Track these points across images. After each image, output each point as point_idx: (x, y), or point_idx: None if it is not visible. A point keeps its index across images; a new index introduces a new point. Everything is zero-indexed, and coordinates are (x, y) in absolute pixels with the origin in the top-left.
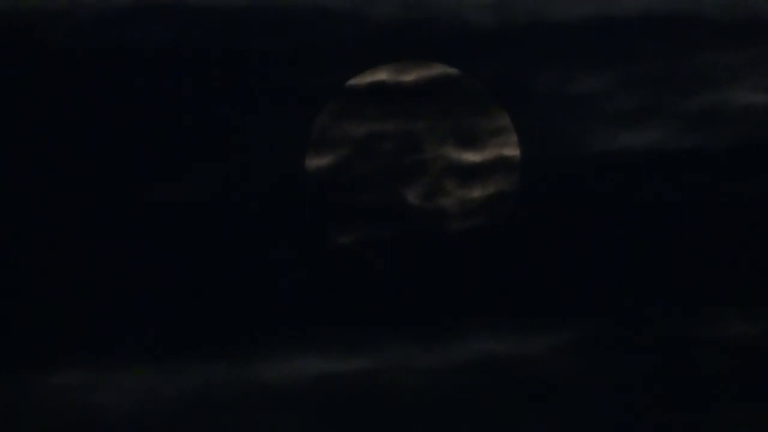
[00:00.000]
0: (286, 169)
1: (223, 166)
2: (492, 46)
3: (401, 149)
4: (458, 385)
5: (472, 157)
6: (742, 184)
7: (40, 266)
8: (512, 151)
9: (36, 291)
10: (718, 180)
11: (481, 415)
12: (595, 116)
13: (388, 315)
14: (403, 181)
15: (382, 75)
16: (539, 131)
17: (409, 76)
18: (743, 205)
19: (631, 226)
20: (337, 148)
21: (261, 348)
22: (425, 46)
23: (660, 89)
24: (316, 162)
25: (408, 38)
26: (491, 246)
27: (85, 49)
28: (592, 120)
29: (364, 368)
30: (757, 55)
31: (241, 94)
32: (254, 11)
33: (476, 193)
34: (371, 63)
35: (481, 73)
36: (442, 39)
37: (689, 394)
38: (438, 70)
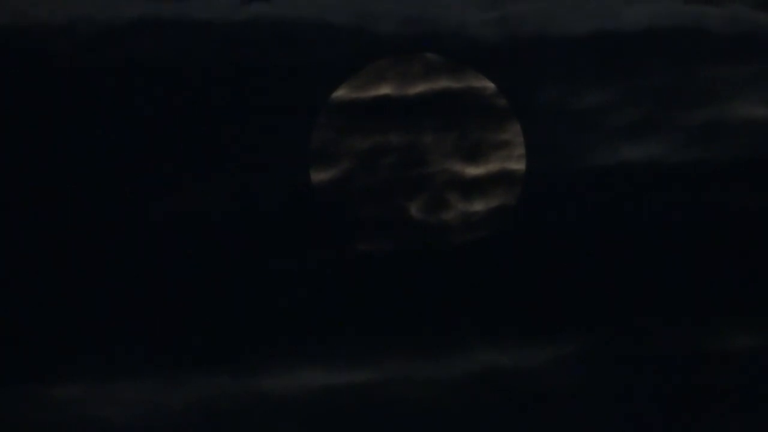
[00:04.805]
0: (289, 183)
1: (227, 180)
2: (495, 61)
3: (404, 163)
4: (461, 396)
5: (475, 170)
6: (744, 198)
7: (42, 277)
8: (516, 165)
9: (38, 302)
10: (720, 193)
11: (484, 427)
12: (598, 130)
13: (391, 327)
14: (406, 194)
15: (386, 88)
16: (542, 145)
17: (414, 89)
18: (745, 218)
19: (633, 239)
20: (340, 162)
21: (264, 360)
22: None
23: (663, 103)
24: (320, 175)
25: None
26: (493, 259)
27: (88, 64)
28: (595, 134)
29: (368, 380)
30: (759, 69)
31: (242, 107)
32: (257, 26)
33: (478, 206)
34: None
35: None
36: (446, 54)
37: (691, 407)
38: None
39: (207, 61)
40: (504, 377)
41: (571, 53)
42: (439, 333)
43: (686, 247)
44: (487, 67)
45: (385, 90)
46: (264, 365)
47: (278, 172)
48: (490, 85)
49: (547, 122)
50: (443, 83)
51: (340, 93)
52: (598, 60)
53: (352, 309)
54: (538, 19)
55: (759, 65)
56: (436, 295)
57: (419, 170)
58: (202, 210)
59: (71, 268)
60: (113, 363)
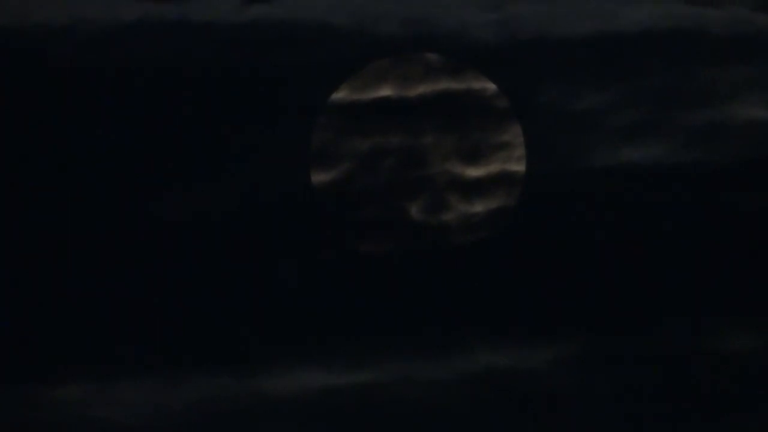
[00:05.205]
0: (289, 184)
1: (227, 181)
2: (495, 62)
3: (405, 164)
4: (461, 397)
5: (475, 171)
6: (743, 199)
7: (43, 279)
8: (516, 166)
9: (39, 304)
10: (720, 194)
11: (484, 427)
12: (598, 131)
13: (390, 328)
14: (406, 195)
15: (386, 89)
16: (542, 146)
17: (414, 90)
18: (745, 219)
19: (633, 239)
20: (340, 163)
21: (265, 361)
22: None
23: (662, 105)
24: (320, 176)
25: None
26: (493, 260)
27: (89, 65)
28: (595, 135)
29: (368, 381)
30: (759, 70)
31: (243, 109)
32: (257, 28)
33: (478, 207)
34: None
35: None
36: (446, 55)
37: (690, 407)
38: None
39: (207, 62)
40: (504, 378)
41: (571, 55)
42: (439, 334)
43: (686, 248)
44: (488, 69)
45: (385, 91)
46: (264, 366)
47: (278, 173)
48: (490, 86)
49: (547, 123)
50: (443, 84)
51: (341, 94)
52: (598, 61)
53: (353, 310)
54: (538, 21)
55: (759, 67)
56: (436, 296)
57: (419, 171)
58: (202, 211)
59: (72, 269)
60: (114, 364)
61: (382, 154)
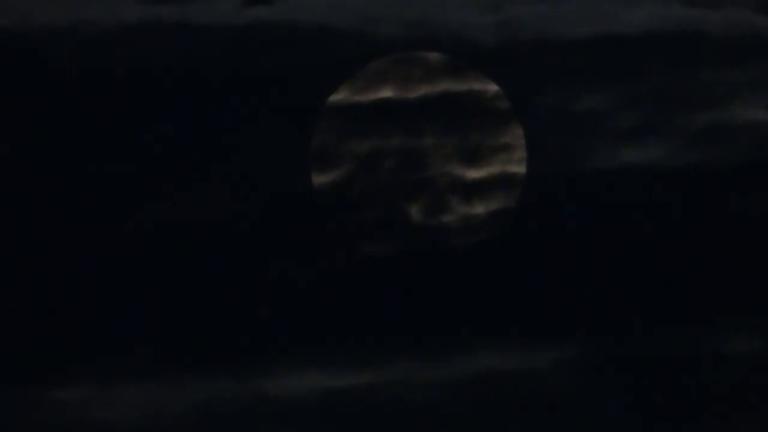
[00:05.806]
0: (289, 186)
1: (228, 182)
2: (496, 64)
3: (405, 165)
4: (462, 399)
5: (475, 173)
6: (743, 201)
7: (44, 281)
8: (516, 168)
9: (40, 306)
10: (719, 196)
11: (485, 429)
12: (599, 133)
13: (392, 330)
14: (407, 197)
15: (386, 91)
16: (543, 148)
17: (415, 92)
18: (744, 221)
19: (633, 241)
20: (341, 165)
21: (266, 363)
22: None
23: (662, 106)
24: (321, 178)
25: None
26: (494, 261)
27: (89, 67)
28: (594, 137)
29: (369, 383)
30: (759, 72)
31: (243, 111)
32: (258, 30)
33: (479, 209)
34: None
35: None
36: (446, 57)
37: (690, 407)
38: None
39: (208, 63)
40: (505, 380)
41: (572, 56)
42: (440, 335)
43: (686, 250)
44: (488, 71)
45: (385, 92)
46: (265, 368)
47: (278, 173)
48: (491, 88)
49: (547, 125)
50: (444, 85)
51: (341, 95)
52: (599, 63)
53: (353, 311)
54: (539, 23)
55: (759, 68)
56: (436, 297)
57: (420, 173)
58: (203, 212)
59: (72, 270)
60: (115, 365)
61: (383, 155)
